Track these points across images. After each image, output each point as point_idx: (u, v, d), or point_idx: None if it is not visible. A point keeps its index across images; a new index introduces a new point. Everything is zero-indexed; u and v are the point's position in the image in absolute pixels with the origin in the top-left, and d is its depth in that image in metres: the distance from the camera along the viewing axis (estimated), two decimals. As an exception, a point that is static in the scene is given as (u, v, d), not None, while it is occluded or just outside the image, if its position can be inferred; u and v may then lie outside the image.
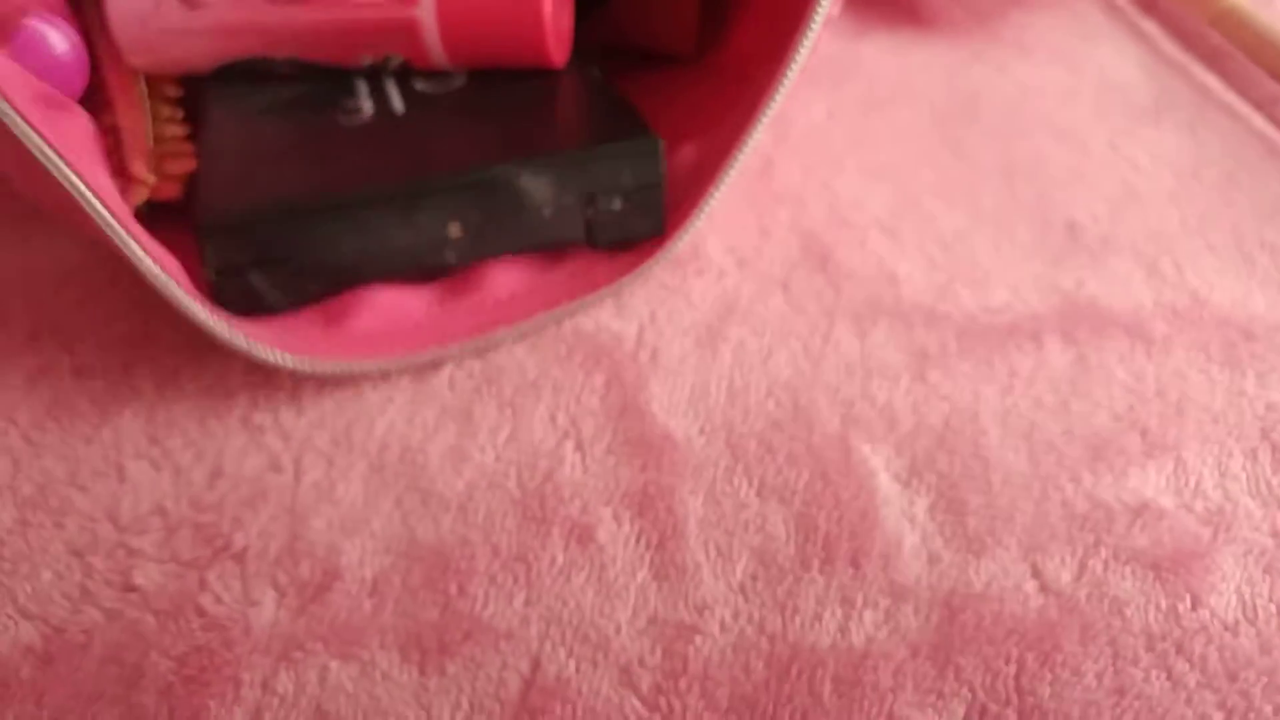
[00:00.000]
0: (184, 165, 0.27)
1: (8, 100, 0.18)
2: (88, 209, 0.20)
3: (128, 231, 0.21)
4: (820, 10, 0.25)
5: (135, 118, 0.28)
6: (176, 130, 0.29)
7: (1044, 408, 0.25)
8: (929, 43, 0.36)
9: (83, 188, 0.20)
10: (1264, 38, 0.33)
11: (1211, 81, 0.34)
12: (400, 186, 0.24)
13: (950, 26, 0.36)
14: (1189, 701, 0.20)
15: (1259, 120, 0.32)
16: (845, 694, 0.20)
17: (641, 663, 0.20)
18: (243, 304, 0.24)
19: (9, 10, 0.23)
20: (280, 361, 0.23)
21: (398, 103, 0.26)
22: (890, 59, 0.35)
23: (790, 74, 0.24)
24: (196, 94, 0.29)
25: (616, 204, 0.25)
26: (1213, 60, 0.35)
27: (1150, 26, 0.36)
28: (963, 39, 0.36)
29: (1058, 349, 0.26)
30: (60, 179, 0.19)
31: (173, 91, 0.30)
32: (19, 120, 0.18)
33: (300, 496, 0.23)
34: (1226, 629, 0.21)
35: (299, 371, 0.24)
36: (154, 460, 0.23)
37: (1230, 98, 0.33)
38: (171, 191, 0.27)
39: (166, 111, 0.29)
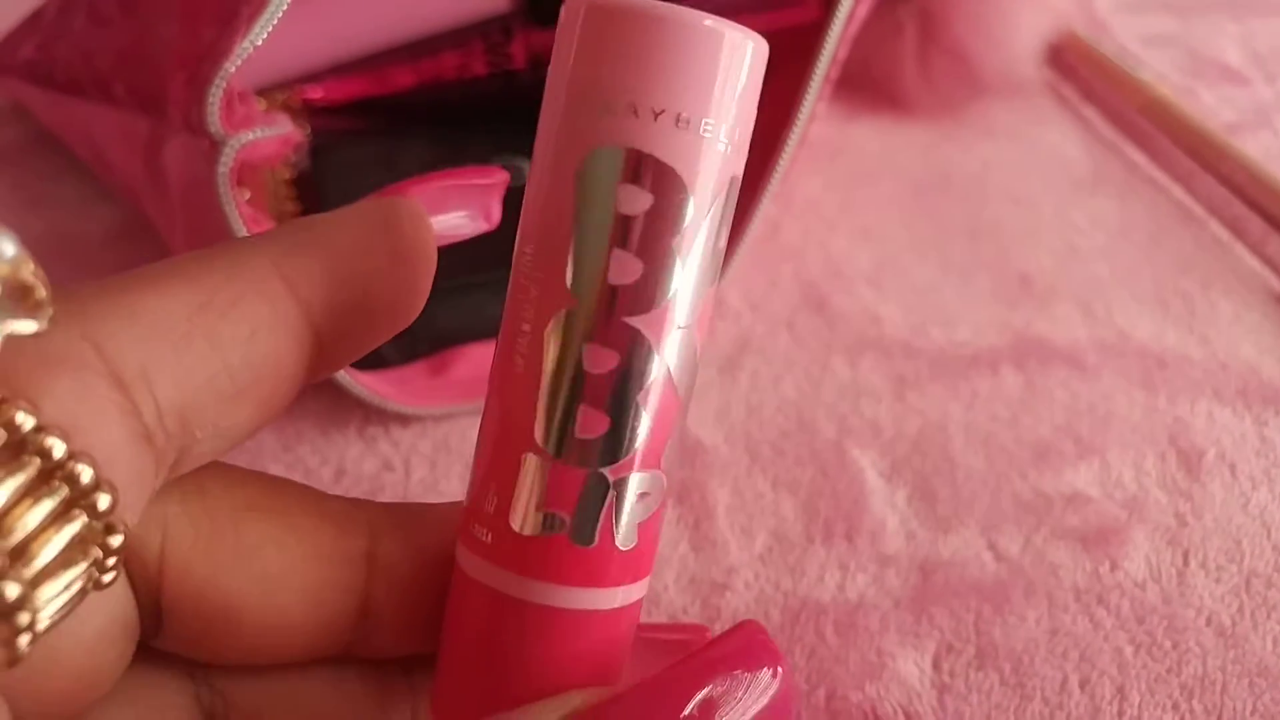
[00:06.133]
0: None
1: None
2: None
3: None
4: (804, 110, 0.31)
5: (262, 198, 0.34)
6: (292, 208, 0.35)
7: (999, 421, 0.31)
8: (908, 126, 0.43)
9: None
10: (1182, 123, 0.40)
11: (1139, 158, 0.41)
12: (496, 274, 0.30)
13: (925, 113, 0.43)
14: (1106, 639, 0.25)
15: (1177, 191, 0.39)
16: (843, 635, 0.26)
17: (685, 611, 0.26)
18: (364, 359, 0.30)
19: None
20: (397, 409, 0.29)
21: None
22: (875, 139, 0.42)
23: (782, 162, 0.31)
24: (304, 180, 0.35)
25: None
26: (1141, 141, 0.41)
27: (1090, 113, 0.43)
28: (936, 123, 0.43)
29: (1010, 375, 0.32)
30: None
31: (286, 174, 0.36)
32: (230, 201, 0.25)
33: (410, 490, 0.29)
34: (1136, 585, 0.26)
35: (407, 414, 0.30)
36: (288, 464, 0.29)
37: (1154, 172, 0.40)
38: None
39: (284, 191, 0.35)
